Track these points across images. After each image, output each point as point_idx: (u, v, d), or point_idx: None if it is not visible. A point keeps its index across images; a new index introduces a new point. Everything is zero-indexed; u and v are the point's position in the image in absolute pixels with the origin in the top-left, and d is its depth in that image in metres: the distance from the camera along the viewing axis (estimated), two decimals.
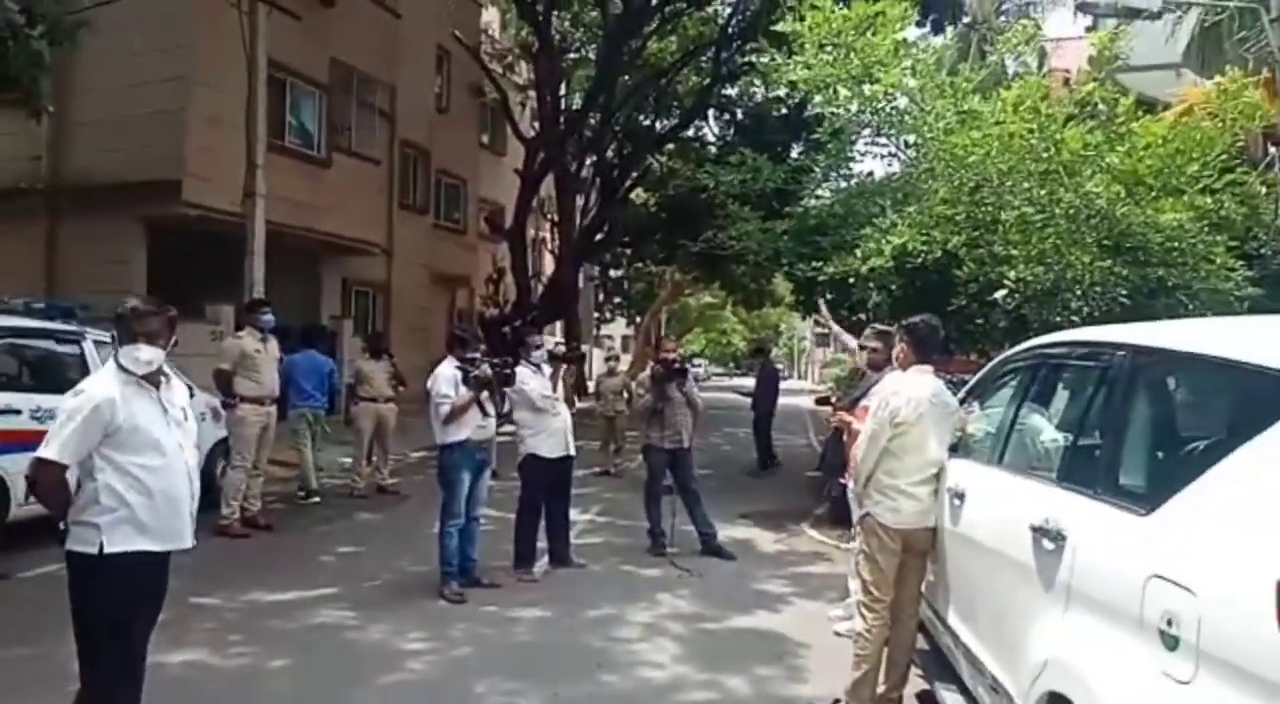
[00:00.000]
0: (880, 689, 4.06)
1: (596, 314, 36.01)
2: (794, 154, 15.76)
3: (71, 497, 3.28)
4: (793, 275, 10.20)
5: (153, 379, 3.39)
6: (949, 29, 18.52)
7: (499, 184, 25.07)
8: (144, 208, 13.47)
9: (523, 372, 6.71)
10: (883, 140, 9.93)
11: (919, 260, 8.28)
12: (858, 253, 8.51)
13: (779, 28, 9.60)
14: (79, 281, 12.76)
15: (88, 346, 7.53)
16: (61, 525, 3.30)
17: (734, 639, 5.41)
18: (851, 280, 8.53)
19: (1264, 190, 9.17)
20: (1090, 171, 7.79)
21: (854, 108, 9.20)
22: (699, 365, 51.27)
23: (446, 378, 6.20)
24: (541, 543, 6.93)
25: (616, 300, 37.32)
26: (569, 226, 24.03)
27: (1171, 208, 7.70)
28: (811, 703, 4.27)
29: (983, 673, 3.32)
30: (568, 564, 6.98)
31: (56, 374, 7.44)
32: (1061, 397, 3.72)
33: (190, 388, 5.14)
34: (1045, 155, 7.77)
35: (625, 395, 12.43)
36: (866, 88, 8.87)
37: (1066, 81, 11.87)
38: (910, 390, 4.05)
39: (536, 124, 24.16)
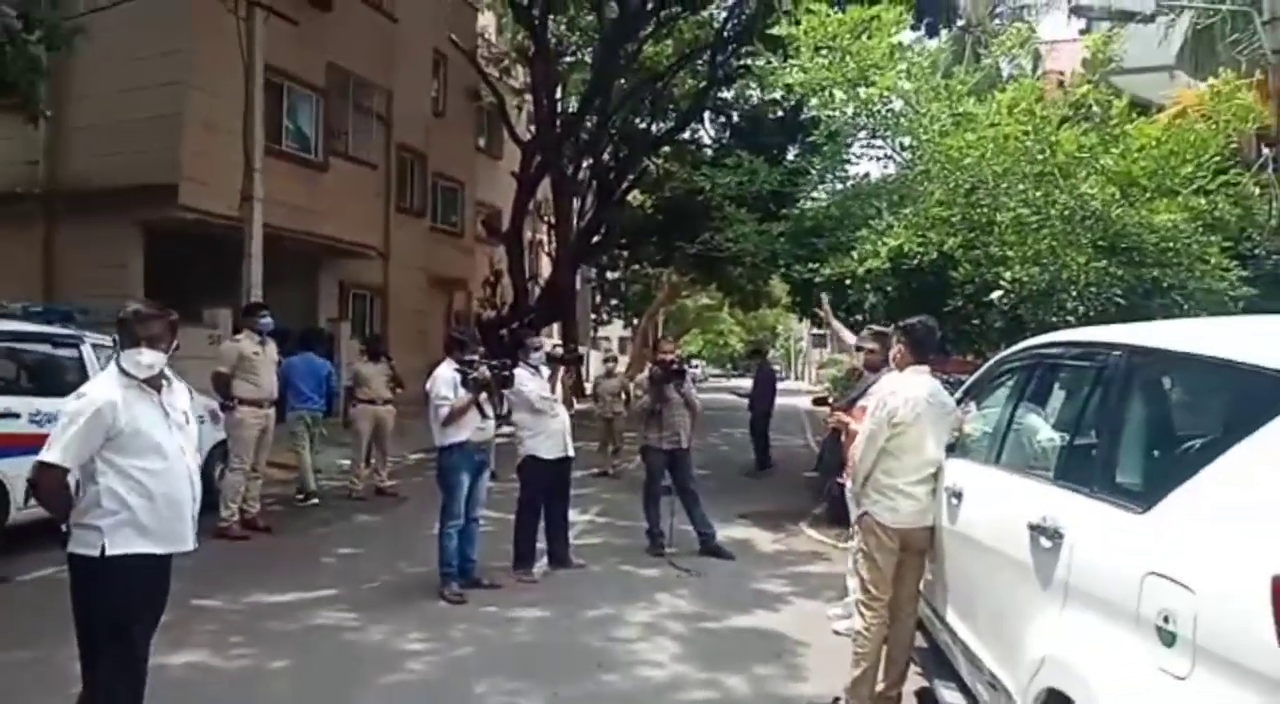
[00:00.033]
0: (879, 687, 4.08)
1: (594, 316, 36.06)
2: (790, 156, 15.78)
3: (73, 500, 3.29)
4: (789, 277, 10.22)
5: (154, 382, 3.41)
6: (943, 32, 18.55)
7: (496, 187, 25.10)
8: (141, 212, 13.48)
9: (521, 373, 6.73)
10: (878, 143, 9.97)
11: (915, 262, 8.30)
12: (854, 254, 8.54)
13: (774, 31, 9.63)
14: (76, 286, 12.77)
15: (86, 350, 7.54)
16: (63, 528, 3.31)
17: (733, 638, 5.43)
18: (848, 282, 8.55)
19: (1258, 191, 9.20)
20: (1085, 173, 7.83)
21: (850, 110, 9.22)
22: (696, 366, 51.29)
23: (445, 380, 6.22)
24: (541, 544, 6.95)
25: (614, 302, 37.35)
26: (566, 229, 24.06)
27: (1166, 209, 7.73)
28: (811, 701, 4.29)
29: (981, 670, 3.35)
30: (567, 565, 7.00)
31: (55, 378, 7.45)
32: (1058, 396, 3.75)
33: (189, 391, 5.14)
34: (1040, 157, 7.80)
35: (623, 397, 12.47)
36: (862, 91, 8.90)
37: (1061, 84, 11.92)
38: (907, 391, 4.07)
39: (533, 127, 24.21)
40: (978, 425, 4.23)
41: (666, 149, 25.75)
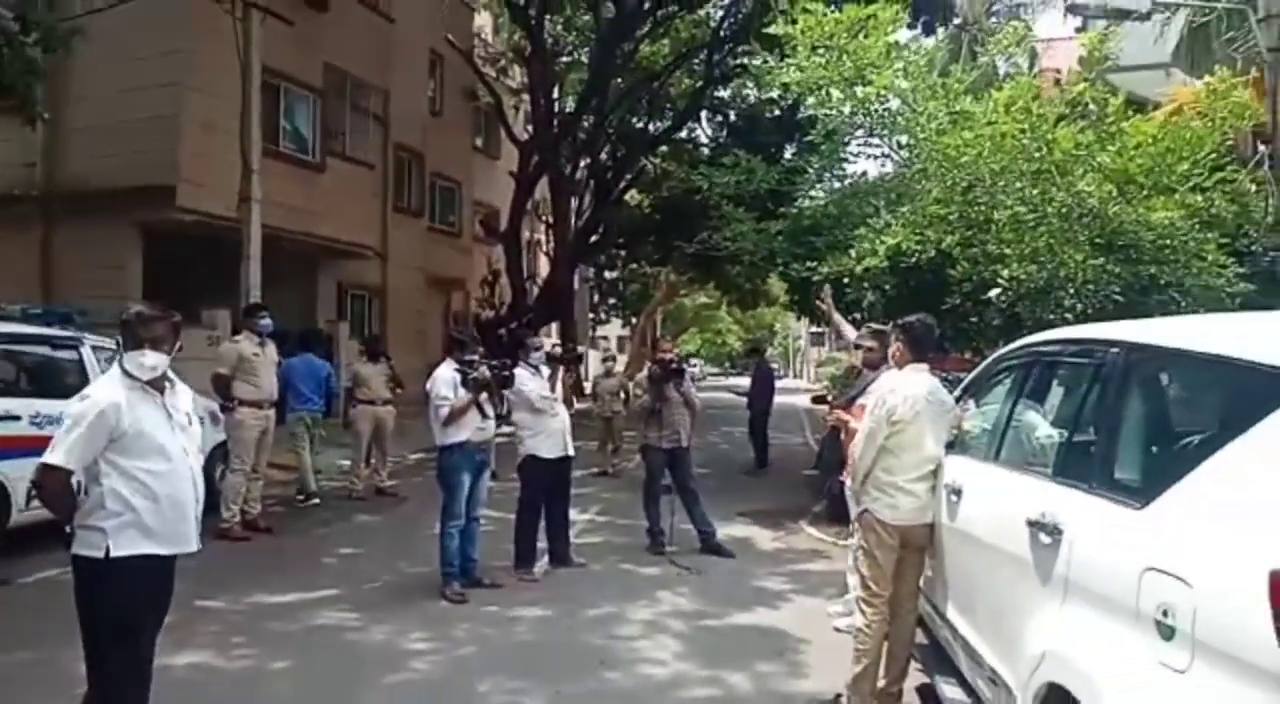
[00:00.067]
0: (880, 683, 4.10)
1: (592, 315, 36.05)
2: (787, 155, 15.81)
3: (77, 501, 3.30)
4: (787, 275, 10.24)
5: (157, 384, 3.42)
6: (940, 30, 18.58)
7: (493, 187, 25.11)
8: (139, 213, 13.48)
9: (521, 373, 6.75)
10: (876, 141, 9.98)
11: (913, 260, 8.33)
12: (852, 253, 8.56)
13: (771, 30, 9.64)
14: (75, 287, 12.78)
15: (85, 352, 7.55)
16: (68, 529, 3.32)
17: (734, 636, 5.45)
18: (846, 280, 8.57)
19: (1254, 188, 9.23)
20: (1082, 171, 7.84)
21: (847, 109, 9.23)
22: (694, 365, 51.33)
23: (445, 380, 6.24)
24: (541, 543, 6.97)
25: (612, 301, 37.36)
26: (564, 228, 24.08)
27: (1163, 206, 7.76)
28: (813, 698, 4.31)
29: (982, 665, 3.36)
30: (568, 564, 7.02)
31: (55, 379, 7.47)
32: (1056, 393, 3.77)
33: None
34: (1037, 155, 7.82)
35: (622, 396, 12.50)
36: (859, 89, 8.92)
37: (1057, 82, 11.95)
38: (907, 388, 4.09)
39: (530, 127, 24.20)
40: (976, 423, 4.25)
41: (664, 148, 25.76)
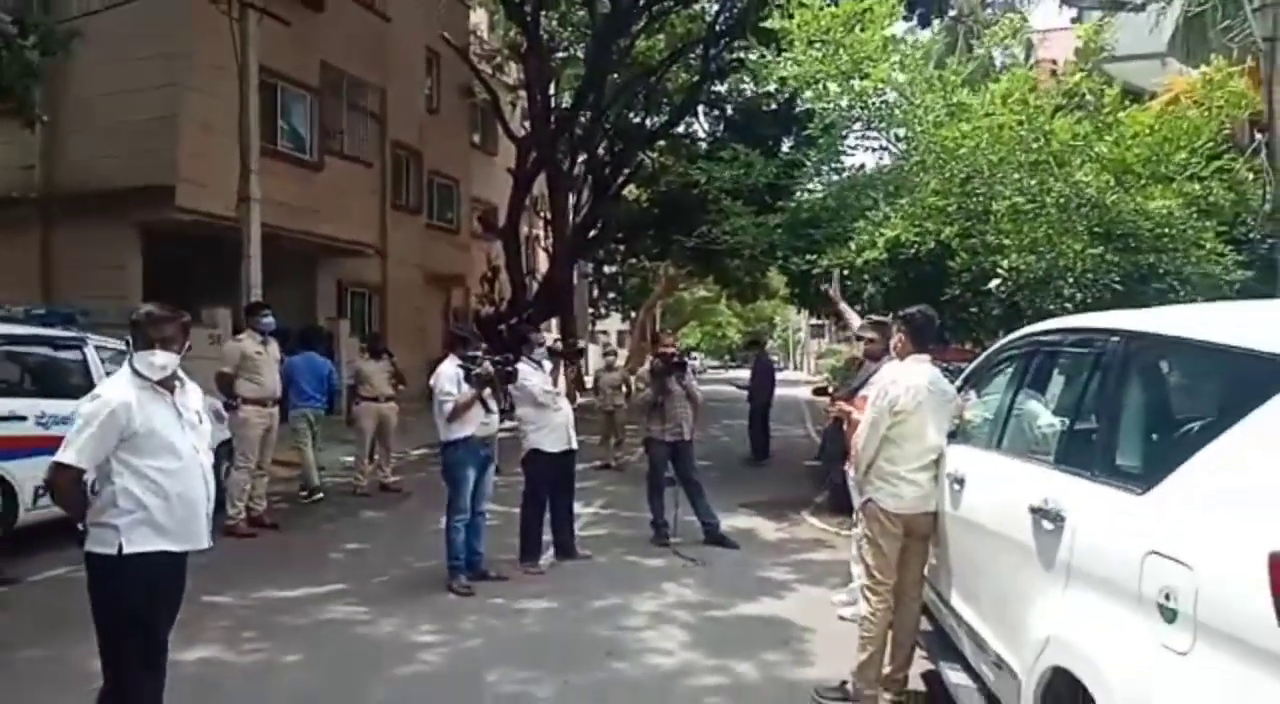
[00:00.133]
0: (886, 670, 4.14)
1: (591, 310, 36.03)
2: (785, 148, 15.82)
3: (88, 500, 3.33)
4: (787, 269, 10.26)
5: (167, 383, 3.45)
6: (935, 23, 18.56)
7: (491, 184, 25.11)
8: (139, 214, 13.51)
9: (524, 368, 6.78)
10: (873, 134, 9.97)
11: (912, 252, 8.36)
12: (851, 245, 8.59)
13: (767, 24, 9.65)
14: (75, 288, 12.80)
15: (89, 352, 7.57)
16: (80, 527, 3.36)
17: (740, 626, 5.50)
18: (846, 272, 8.60)
19: (1251, 176, 9.24)
20: (1079, 161, 7.87)
21: (844, 103, 9.24)
22: (695, 359, 51.38)
23: (449, 376, 6.27)
24: (546, 536, 7.01)
25: (611, 296, 37.34)
26: (562, 224, 24.08)
27: (1161, 195, 7.78)
28: (819, 686, 4.35)
29: (986, 651, 3.40)
30: (573, 556, 7.07)
31: (59, 380, 7.51)
32: (1057, 382, 3.80)
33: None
34: (1035, 146, 7.85)
35: (624, 390, 12.53)
36: (856, 83, 8.92)
37: (1054, 73, 11.96)
38: (908, 379, 4.13)
39: (527, 123, 24.18)
40: (978, 412, 4.29)
41: (661, 143, 25.72)
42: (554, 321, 24.83)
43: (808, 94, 9.62)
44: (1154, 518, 2.40)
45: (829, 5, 8.85)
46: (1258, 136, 10.38)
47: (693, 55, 23.16)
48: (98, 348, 7.65)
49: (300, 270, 16.73)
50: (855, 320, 6.72)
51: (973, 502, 3.74)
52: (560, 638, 5.26)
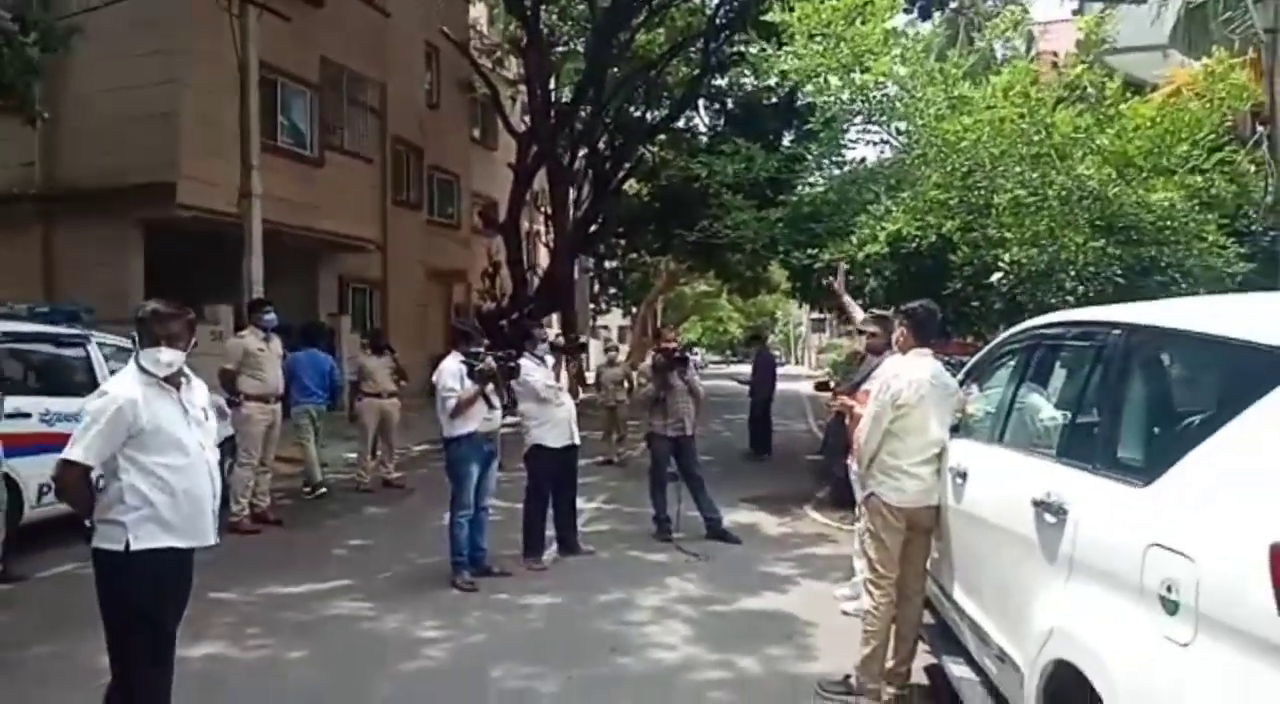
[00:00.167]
0: (889, 664, 4.15)
1: (592, 305, 35.99)
2: (786, 142, 15.81)
3: (95, 496, 3.35)
4: (788, 263, 10.28)
5: (173, 380, 3.46)
6: (936, 15, 18.52)
7: (492, 179, 25.10)
8: (140, 211, 13.52)
9: (526, 363, 6.80)
10: (874, 128, 9.97)
11: (914, 245, 8.37)
12: (853, 239, 8.60)
13: (768, 18, 9.64)
14: (77, 286, 12.79)
15: (93, 349, 7.59)
16: (87, 523, 3.38)
17: (743, 620, 5.51)
18: (848, 267, 8.61)
19: (1253, 169, 9.23)
20: (1081, 154, 7.86)
21: (845, 96, 9.23)
22: (696, 354, 51.38)
23: (452, 372, 6.28)
24: (549, 532, 7.03)
25: (612, 291, 37.28)
26: (563, 219, 24.05)
27: (1162, 187, 7.78)
28: (822, 680, 4.36)
29: (989, 644, 3.42)
30: (576, 551, 7.09)
31: (63, 377, 7.54)
32: (1059, 376, 3.81)
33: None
34: (1036, 139, 7.84)
35: (626, 385, 12.54)
36: (857, 76, 8.91)
37: (1055, 65, 11.94)
38: (911, 373, 4.14)
39: (527, 118, 24.15)
40: (980, 406, 4.30)
41: (662, 137, 25.67)
42: (555, 317, 24.82)
43: (809, 88, 9.61)
44: (1156, 510, 2.41)
45: None
46: (1259, 129, 10.36)
47: (693, 49, 23.11)
48: (101, 345, 7.67)
49: (301, 266, 16.74)
50: (858, 314, 6.73)
51: (975, 495, 3.75)
52: (564, 633, 5.28)
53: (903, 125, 9.25)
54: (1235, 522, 2.12)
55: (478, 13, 27.34)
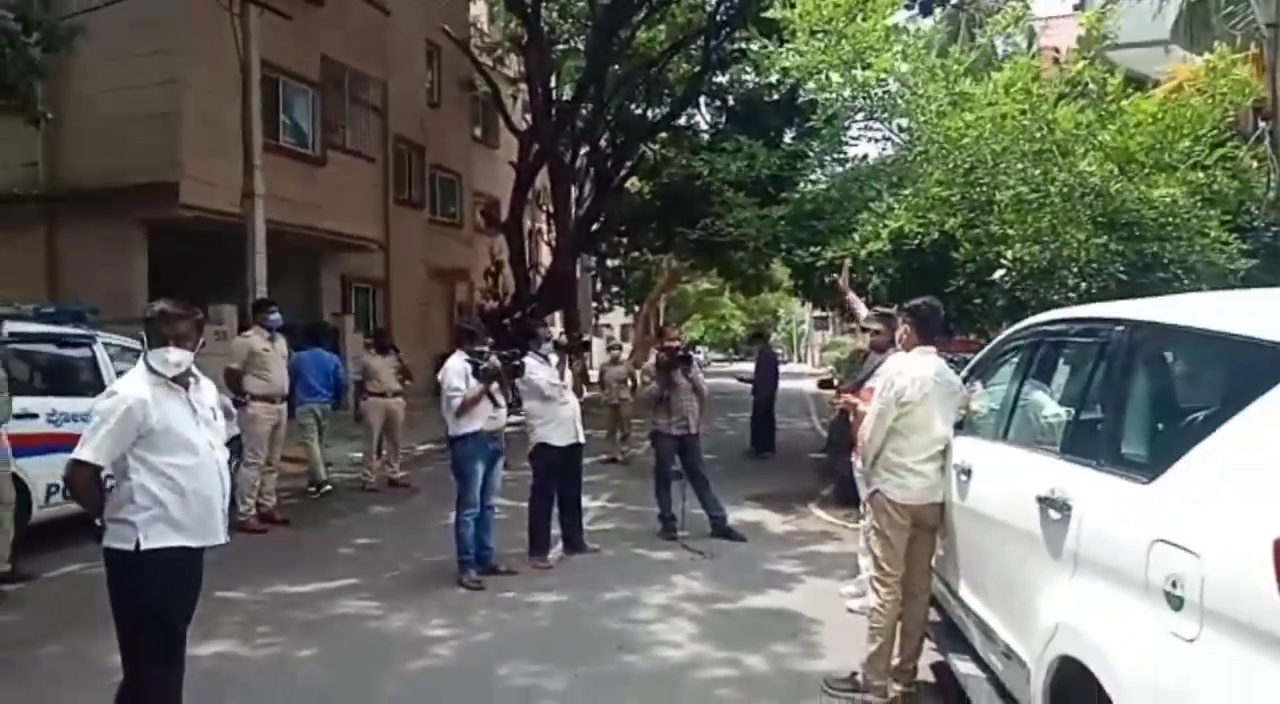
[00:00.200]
0: (895, 661, 4.17)
1: (595, 304, 36.02)
2: (788, 140, 15.80)
3: (105, 496, 3.37)
4: (791, 260, 10.27)
5: (182, 380, 3.48)
6: (937, 11, 18.50)
7: (494, 177, 25.10)
8: (143, 211, 13.53)
9: (531, 362, 6.81)
10: (876, 125, 9.96)
11: (916, 243, 8.36)
12: (855, 237, 8.59)
13: (768, 14, 9.63)
14: (80, 286, 12.79)
15: (99, 350, 7.62)
16: (98, 523, 3.40)
17: (749, 618, 5.53)
18: (850, 264, 8.62)
19: (1255, 164, 9.23)
20: (1083, 150, 7.85)
21: (847, 93, 9.21)
22: (699, 352, 51.35)
23: (456, 371, 6.30)
24: (555, 530, 7.05)
25: (614, 289, 37.29)
26: (565, 217, 24.05)
27: (1164, 183, 7.77)
28: (828, 677, 4.38)
29: (995, 641, 3.43)
30: (582, 550, 7.11)
31: (70, 377, 7.56)
32: (1062, 372, 3.83)
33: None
34: (1038, 135, 7.83)
35: (629, 383, 12.56)
36: (858, 73, 8.90)
37: (1056, 60, 11.93)
38: (914, 370, 4.15)
39: (529, 116, 24.16)
40: (984, 403, 4.31)
41: (663, 135, 25.67)
42: (558, 315, 24.85)
43: (810, 84, 9.60)
44: (1160, 506, 2.42)
45: None
46: (1261, 124, 10.38)
47: (694, 46, 23.10)
48: (106, 345, 7.69)
49: (304, 266, 16.76)
50: (862, 311, 6.74)
51: (980, 492, 3.76)
52: (570, 631, 5.30)
53: (904, 122, 9.24)
54: (1239, 517, 2.14)
55: (478, 10, 27.33)
